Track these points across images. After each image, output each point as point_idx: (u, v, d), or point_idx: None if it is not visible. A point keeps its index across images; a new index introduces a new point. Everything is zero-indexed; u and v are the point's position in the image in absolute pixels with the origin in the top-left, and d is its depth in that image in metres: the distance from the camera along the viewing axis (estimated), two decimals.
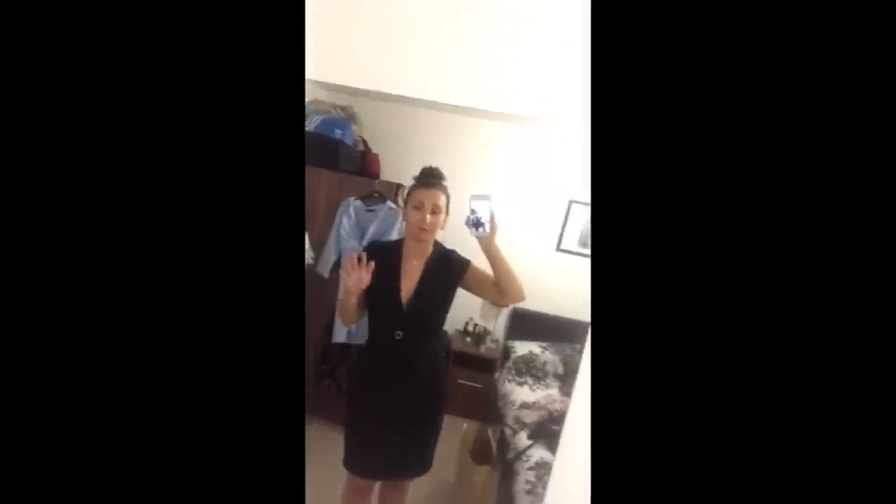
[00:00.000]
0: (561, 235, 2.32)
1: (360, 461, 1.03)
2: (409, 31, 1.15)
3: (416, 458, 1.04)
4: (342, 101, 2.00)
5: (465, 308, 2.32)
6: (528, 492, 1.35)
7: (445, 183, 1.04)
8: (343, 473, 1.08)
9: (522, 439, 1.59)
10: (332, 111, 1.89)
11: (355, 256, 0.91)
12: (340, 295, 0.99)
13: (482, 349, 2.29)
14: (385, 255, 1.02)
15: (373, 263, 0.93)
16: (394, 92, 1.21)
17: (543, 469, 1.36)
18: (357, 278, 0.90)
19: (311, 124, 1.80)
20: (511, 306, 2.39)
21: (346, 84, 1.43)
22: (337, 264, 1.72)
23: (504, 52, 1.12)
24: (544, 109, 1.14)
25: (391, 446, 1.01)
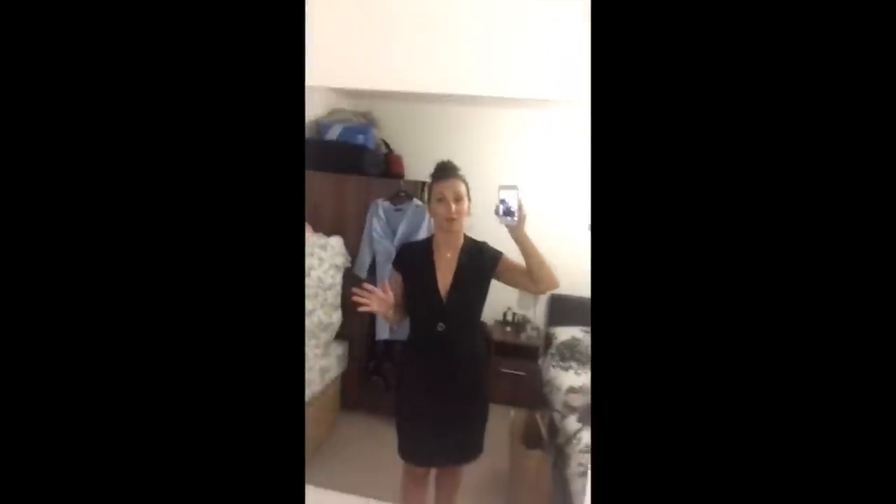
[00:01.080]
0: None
1: (414, 450, 1.07)
2: (416, 25, 1.16)
3: (466, 444, 1.07)
4: (361, 106, 2.05)
5: (502, 299, 2.32)
6: (582, 474, 1.34)
7: (461, 173, 1.05)
8: (399, 464, 1.12)
9: (572, 423, 1.58)
10: (353, 118, 1.94)
11: (362, 288, 0.94)
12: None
13: (523, 338, 2.28)
14: (417, 254, 1.05)
15: (389, 280, 0.98)
16: (407, 89, 1.23)
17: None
18: (379, 302, 0.93)
19: (333, 133, 1.86)
20: (549, 293, 2.38)
21: (353, 87, 1.46)
22: (372, 265, 1.77)
23: (514, 35, 1.11)
24: (560, 91, 1.13)
25: (442, 434, 1.04)
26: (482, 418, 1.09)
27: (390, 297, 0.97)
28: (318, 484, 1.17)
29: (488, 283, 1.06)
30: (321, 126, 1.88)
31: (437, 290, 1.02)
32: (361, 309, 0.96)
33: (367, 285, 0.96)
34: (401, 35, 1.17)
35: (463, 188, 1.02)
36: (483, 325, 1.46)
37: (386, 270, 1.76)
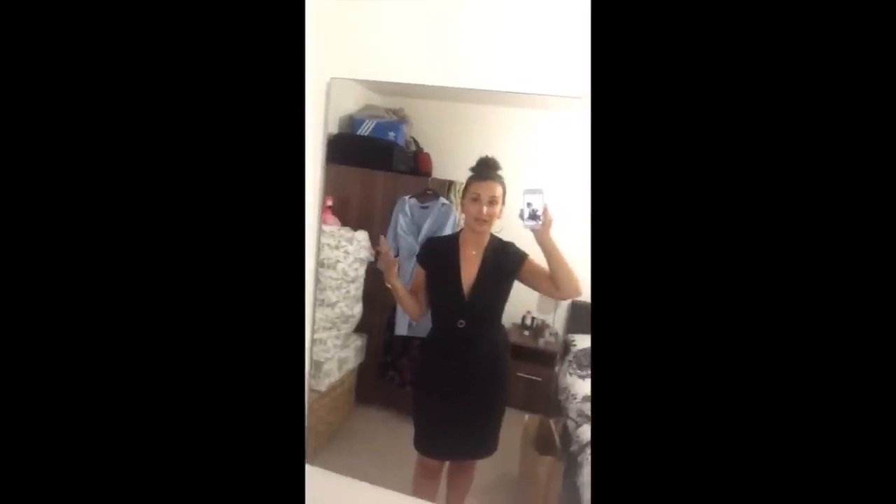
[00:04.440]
0: None
1: (429, 442, 1.09)
2: (437, 22, 1.17)
3: (481, 440, 1.08)
4: (393, 103, 2.08)
5: (522, 302, 2.31)
6: None
7: (501, 173, 1.06)
8: (412, 457, 1.13)
9: (586, 432, 1.56)
10: (385, 115, 1.98)
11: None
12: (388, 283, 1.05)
13: (541, 343, 2.26)
14: (443, 248, 1.06)
15: (412, 274, 1.01)
16: (433, 83, 1.24)
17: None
18: (386, 260, 0.96)
19: (365, 129, 1.90)
20: (570, 300, 2.36)
21: (379, 80, 1.50)
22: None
23: (540, 32, 1.11)
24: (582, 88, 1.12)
25: (457, 429, 1.05)
26: (498, 416, 1.09)
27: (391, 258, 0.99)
28: (332, 469, 1.20)
29: (511, 282, 1.07)
30: (355, 121, 1.92)
31: (459, 286, 1.04)
32: (379, 253, 0.99)
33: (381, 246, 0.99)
34: (424, 28, 1.18)
35: (499, 191, 1.04)
36: (502, 327, 1.46)
37: (409, 266, 1.79)
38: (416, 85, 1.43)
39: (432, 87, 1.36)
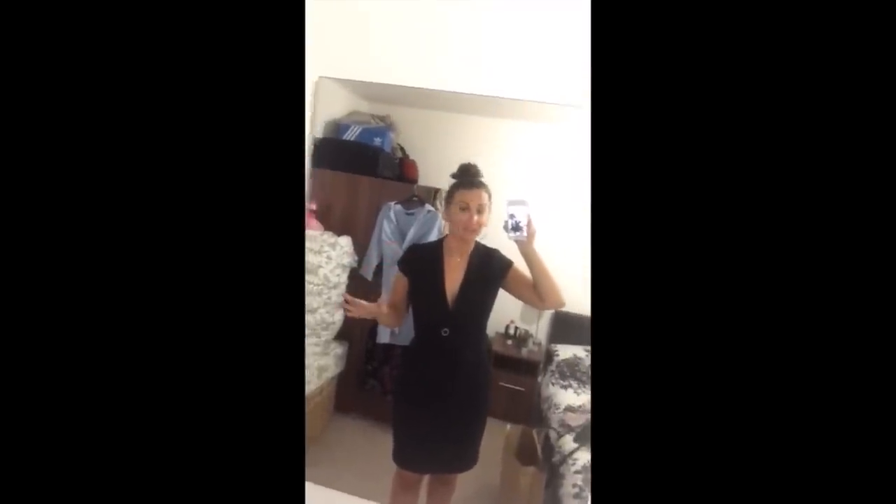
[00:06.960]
0: None
1: (408, 455, 1.06)
2: (435, 24, 1.17)
3: (462, 453, 1.06)
4: (380, 110, 2.08)
5: (505, 311, 2.31)
6: (576, 496, 1.31)
7: (484, 180, 1.05)
8: (391, 467, 1.10)
9: (568, 442, 1.55)
10: (371, 121, 1.97)
11: (351, 298, 0.95)
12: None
13: (524, 352, 2.26)
14: (427, 256, 1.05)
15: (393, 281, 0.97)
16: (421, 86, 1.24)
17: (590, 473, 1.33)
18: (364, 310, 0.94)
19: (351, 134, 1.89)
20: (554, 310, 2.37)
21: (365, 80, 1.50)
22: (379, 267, 1.77)
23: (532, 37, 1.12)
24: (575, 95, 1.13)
25: (438, 441, 1.02)
26: (480, 427, 1.07)
27: (380, 306, 0.98)
28: (309, 479, 1.16)
29: (496, 290, 1.06)
30: (340, 126, 1.90)
31: (443, 294, 1.02)
32: (349, 314, 0.97)
33: (349, 297, 0.97)
34: (416, 31, 1.17)
35: (486, 198, 1.03)
36: (486, 336, 1.45)
37: (392, 273, 1.77)
38: (403, 92, 1.43)
39: (419, 94, 1.36)
